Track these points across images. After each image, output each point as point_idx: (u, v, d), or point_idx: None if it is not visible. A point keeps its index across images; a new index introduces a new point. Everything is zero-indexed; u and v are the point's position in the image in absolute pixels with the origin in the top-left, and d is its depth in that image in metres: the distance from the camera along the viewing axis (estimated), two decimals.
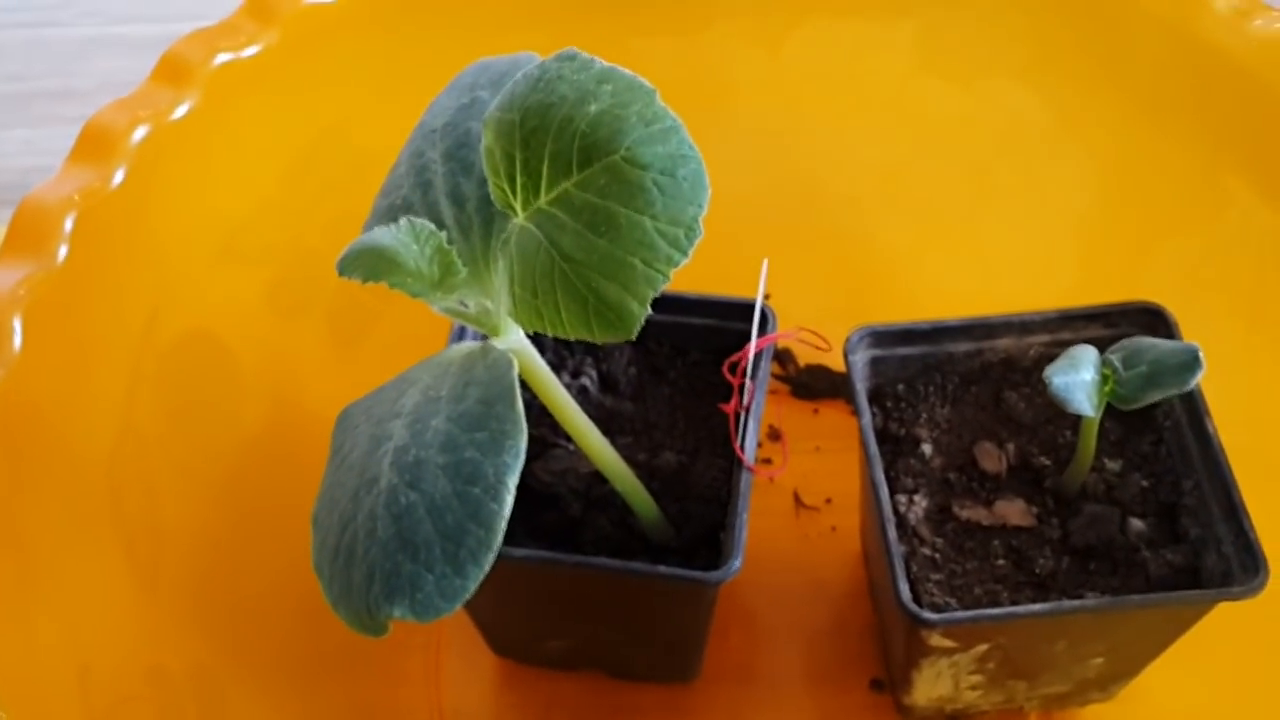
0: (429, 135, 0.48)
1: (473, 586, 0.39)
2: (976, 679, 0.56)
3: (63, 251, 0.54)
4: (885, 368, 0.59)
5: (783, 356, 0.73)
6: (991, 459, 0.57)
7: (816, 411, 0.72)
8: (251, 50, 0.62)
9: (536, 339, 0.60)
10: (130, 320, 0.58)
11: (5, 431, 0.51)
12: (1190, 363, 0.47)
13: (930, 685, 0.56)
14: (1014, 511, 0.56)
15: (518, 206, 0.41)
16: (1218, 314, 0.62)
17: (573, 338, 0.41)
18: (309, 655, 0.60)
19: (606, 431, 0.53)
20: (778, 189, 0.72)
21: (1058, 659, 0.55)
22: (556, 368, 0.60)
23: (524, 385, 0.45)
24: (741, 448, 0.55)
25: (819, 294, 0.67)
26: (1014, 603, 0.53)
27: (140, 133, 0.58)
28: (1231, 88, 0.63)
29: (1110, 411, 0.57)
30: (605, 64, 0.40)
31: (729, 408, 0.56)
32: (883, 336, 0.59)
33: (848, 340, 0.58)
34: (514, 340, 0.46)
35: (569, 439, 0.57)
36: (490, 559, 0.39)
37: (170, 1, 0.95)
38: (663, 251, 0.39)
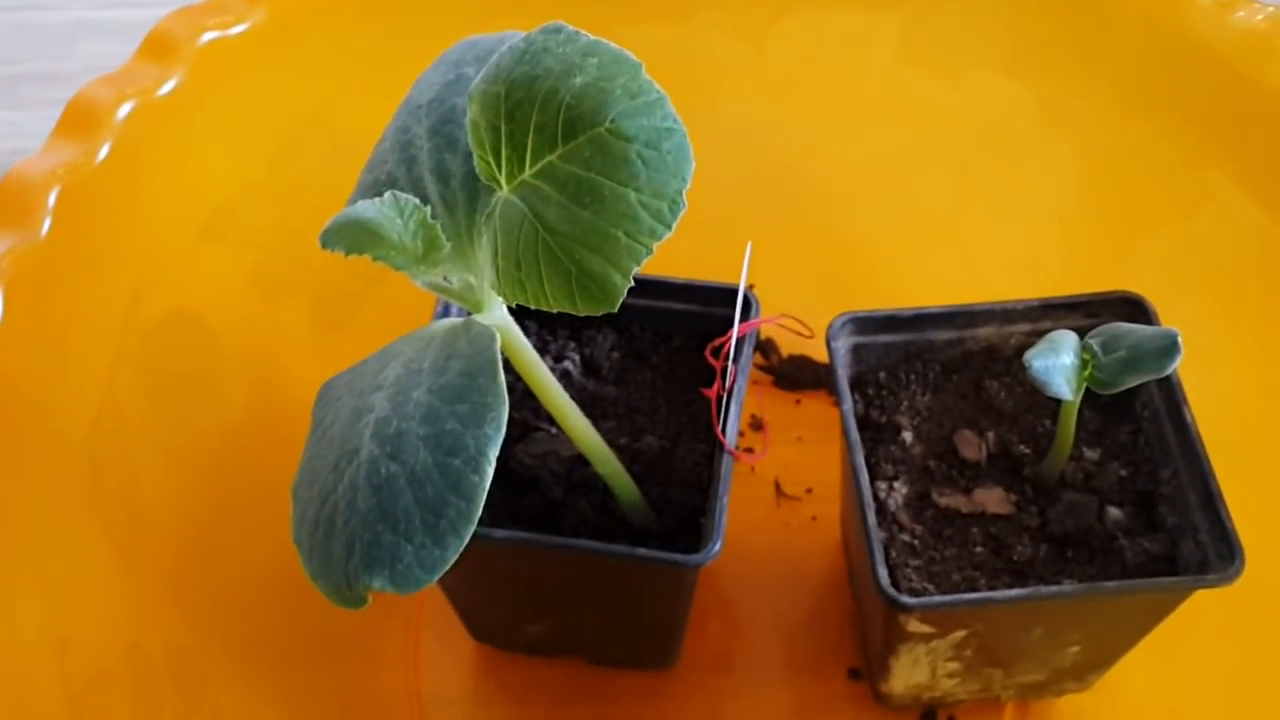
0: (415, 111, 0.48)
1: (452, 557, 0.39)
2: (954, 666, 0.56)
3: (46, 225, 0.54)
4: (867, 355, 0.60)
5: (765, 347, 0.73)
6: (971, 447, 0.58)
7: (799, 402, 0.73)
8: (239, 29, 0.62)
9: (520, 324, 0.60)
10: (113, 297, 0.58)
11: None
12: (1169, 347, 0.47)
13: (908, 673, 0.57)
14: (993, 499, 0.56)
15: (502, 179, 0.41)
16: (1198, 305, 0.62)
17: (555, 310, 0.41)
18: (287, 637, 0.60)
19: (589, 415, 0.53)
20: (763, 179, 0.72)
21: (1034, 647, 0.55)
22: (540, 352, 0.60)
23: (507, 367, 0.46)
24: (723, 431, 0.55)
25: (803, 283, 0.68)
26: (991, 589, 0.53)
27: (125, 109, 0.58)
28: (1214, 81, 0.63)
29: (1090, 401, 0.57)
30: (591, 37, 0.40)
31: (711, 392, 0.56)
32: (865, 323, 0.59)
33: (830, 326, 0.58)
34: (497, 316, 0.46)
35: (551, 422, 0.57)
36: (470, 530, 0.39)
37: None
38: (646, 224, 0.39)
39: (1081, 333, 0.52)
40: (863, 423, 0.58)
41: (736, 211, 0.69)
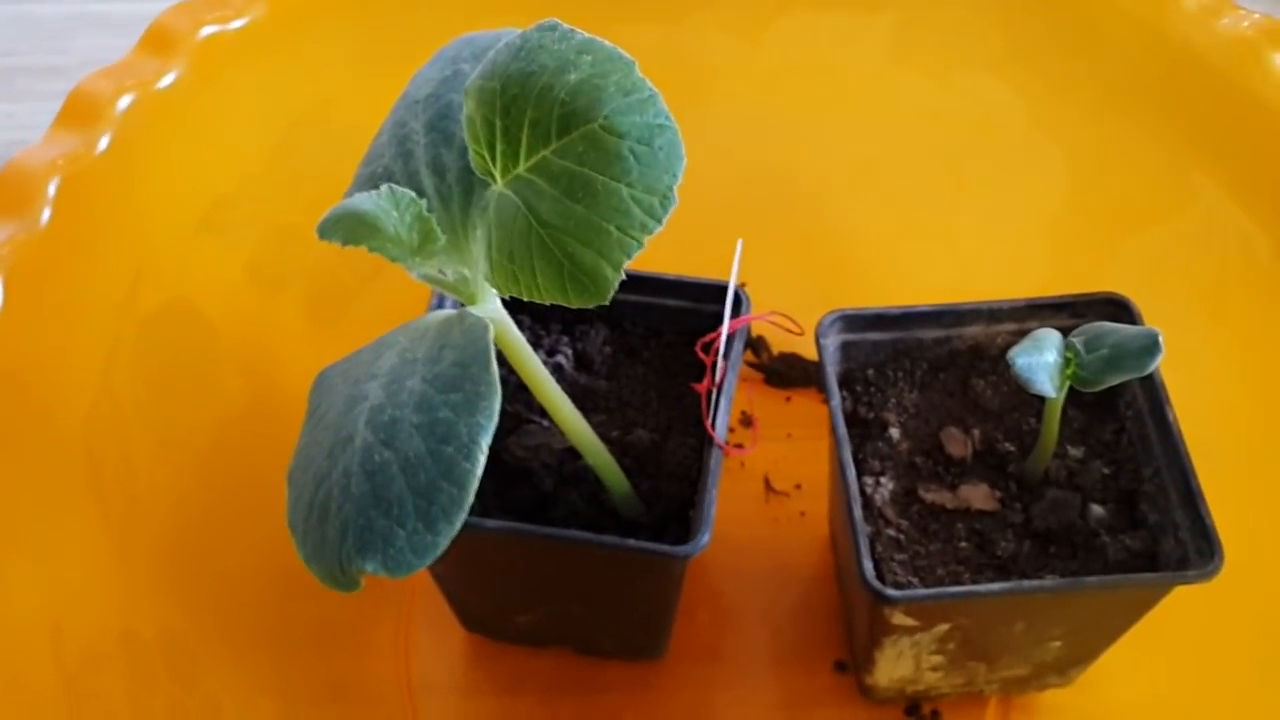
0: (412, 106, 0.48)
1: (444, 543, 0.40)
2: (937, 659, 0.57)
3: (46, 215, 0.54)
4: (856, 352, 0.60)
5: (757, 345, 0.74)
6: (957, 444, 0.58)
7: (789, 399, 0.73)
8: (238, 23, 0.63)
9: (514, 318, 0.61)
10: (111, 287, 0.58)
11: None
12: (1150, 346, 0.48)
13: (892, 665, 0.57)
14: (978, 495, 0.57)
15: (497, 173, 0.42)
16: (1182, 306, 0.63)
17: (547, 301, 0.42)
18: (280, 624, 0.61)
19: (581, 409, 0.54)
20: (755, 177, 0.73)
21: (1017, 641, 0.56)
22: (533, 345, 0.61)
23: (501, 361, 0.46)
24: (712, 426, 0.55)
25: (793, 282, 0.68)
26: (975, 584, 0.54)
27: (125, 101, 0.58)
28: (1200, 85, 0.64)
29: (1074, 400, 0.58)
30: (585, 35, 0.41)
31: (701, 387, 0.57)
32: (854, 321, 0.60)
33: (820, 324, 0.59)
34: (491, 309, 0.46)
35: (543, 415, 0.58)
36: (462, 516, 0.40)
37: None
38: (638, 219, 0.40)
39: (1066, 332, 0.53)
40: (850, 419, 0.59)
41: (729, 209, 0.69)
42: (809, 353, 0.59)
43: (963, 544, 0.56)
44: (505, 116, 0.41)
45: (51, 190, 0.55)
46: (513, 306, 0.54)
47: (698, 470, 0.57)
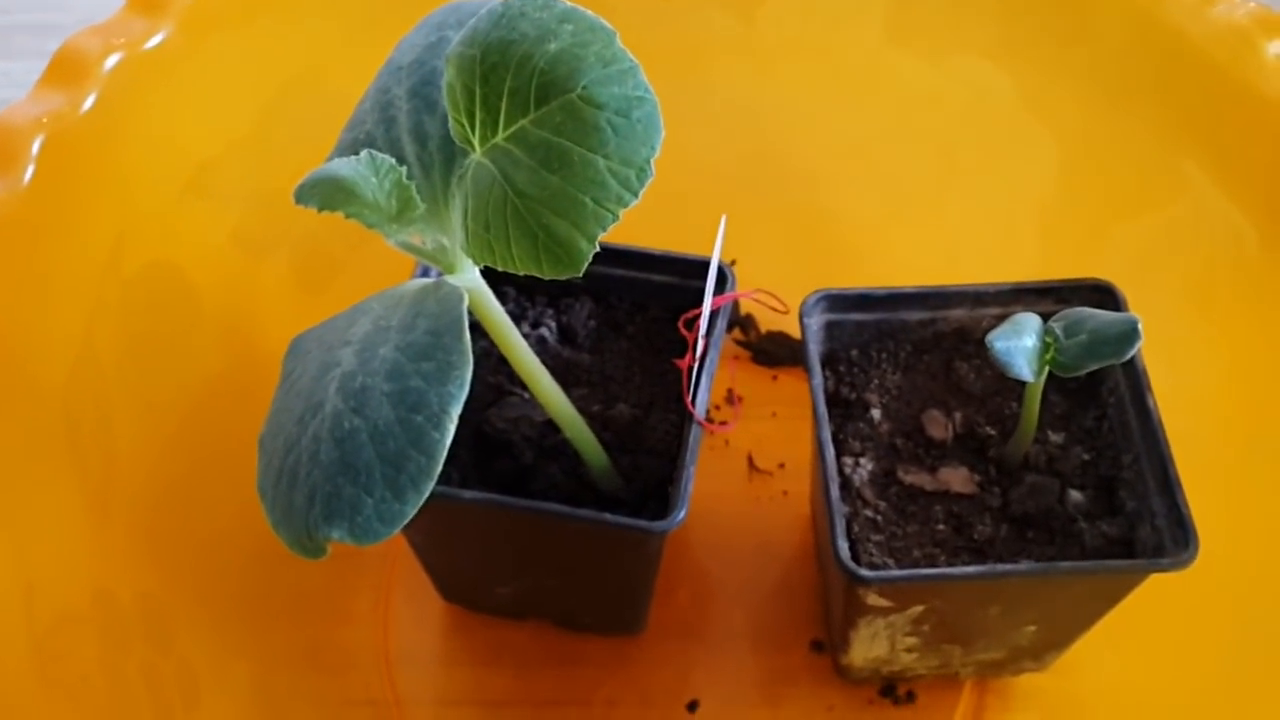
0: (396, 72, 0.48)
1: (411, 511, 0.40)
2: (912, 641, 0.57)
3: (29, 173, 0.54)
4: (840, 332, 0.60)
5: (745, 323, 0.74)
6: (938, 426, 0.58)
7: (775, 378, 0.73)
8: None
9: (499, 291, 0.61)
10: (94, 247, 0.58)
11: None
12: (1129, 333, 0.48)
13: (867, 646, 0.57)
14: (957, 478, 0.57)
15: (475, 142, 0.42)
16: (1168, 295, 0.63)
17: (521, 272, 0.42)
18: (258, 590, 0.61)
19: (563, 382, 0.54)
20: (746, 155, 0.73)
21: (992, 625, 0.56)
22: (517, 318, 0.61)
23: (483, 333, 0.46)
24: (692, 402, 0.55)
25: (781, 260, 0.68)
26: (951, 566, 0.54)
27: (113, 60, 0.58)
28: (1193, 74, 0.64)
29: (1057, 386, 0.58)
30: (567, 4, 0.41)
31: (683, 363, 0.57)
32: (839, 301, 0.59)
33: (804, 303, 0.59)
34: (469, 278, 0.46)
35: (524, 387, 0.57)
36: (429, 485, 0.40)
37: None
38: (614, 191, 0.40)
39: (1050, 318, 0.53)
40: (832, 399, 0.59)
41: (718, 185, 0.69)
42: (797, 332, 0.59)
43: (940, 526, 0.56)
44: (484, 85, 0.41)
45: (35, 148, 0.54)
46: (500, 277, 0.54)
47: (678, 446, 0.57)
